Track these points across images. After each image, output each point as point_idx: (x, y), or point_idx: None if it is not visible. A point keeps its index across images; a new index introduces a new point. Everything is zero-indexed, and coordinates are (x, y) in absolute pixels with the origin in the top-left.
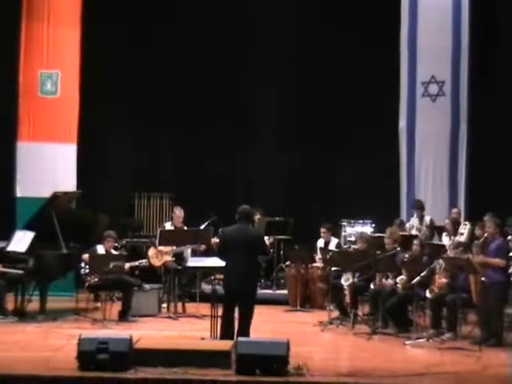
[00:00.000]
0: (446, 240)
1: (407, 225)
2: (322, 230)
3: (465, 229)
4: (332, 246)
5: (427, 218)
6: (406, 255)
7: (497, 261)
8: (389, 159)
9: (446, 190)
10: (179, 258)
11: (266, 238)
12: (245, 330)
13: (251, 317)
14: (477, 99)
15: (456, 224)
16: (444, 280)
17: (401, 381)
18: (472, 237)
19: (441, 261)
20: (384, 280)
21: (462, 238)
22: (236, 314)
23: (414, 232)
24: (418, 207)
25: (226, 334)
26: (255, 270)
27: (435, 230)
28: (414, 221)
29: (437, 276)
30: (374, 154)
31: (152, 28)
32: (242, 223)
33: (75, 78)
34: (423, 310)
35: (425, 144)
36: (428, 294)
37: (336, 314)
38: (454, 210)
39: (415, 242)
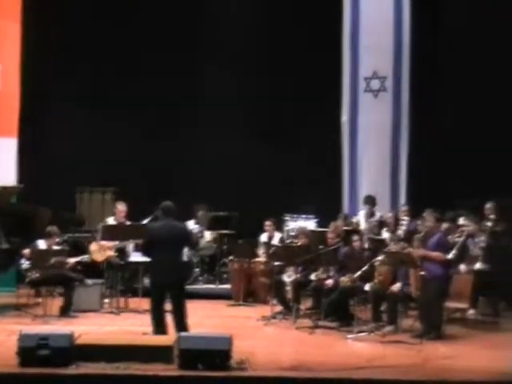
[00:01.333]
0: (386, 234)
1: (355, 219)
2: (267, 224)
3: (403, 223)
4: (275, 241)
5: (377, 214)
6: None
7: (437, 254)
8: (331, 154)
9: (388, 185)
10: (122, 253)
11: (208, 233)
12: (182, 324)
13: (185, 308)
14: (418, 95)
15: (397, 219)
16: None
17: (342, 374)
18: (411, 231)
19: (380, 256)
20: (325, 276)
21: (400, 232)
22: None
23: (362, 227)
24: (370, 203)
25: (158, 329)
26: (183, 263)
27: (378, 224)
28: (362, 216)
29: (377, 271)
30: (317, 148)
31: (95, 13)
32: (166, 219)
33: (15, 72)
34: (365, 304)
35: (367, 138)
36: (368, 288)
37: (279, 308)
38: (404, 208)
39: (355, 237)
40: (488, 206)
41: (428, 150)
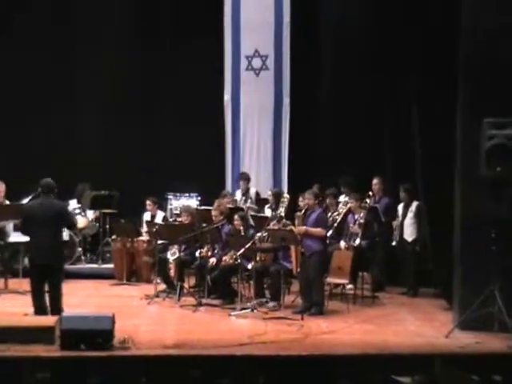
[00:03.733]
0: (268, 212)
1: (235, 197)
2: (148, 203)
3: (284, 201)
4: (158, 220)
5: (252, 191)
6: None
7: (318, 230)
8: (214, 132)
9: (270, 163)
10: (1, 232)
11: (91, 212)
12: (56, 304)
13: (60, 289)
14: (299, 74)
15: (278, 196)
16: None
17: (224, 351)
18: (292, 209)
19: (259, 233)
20: (209, 254)
21: (282, 210)
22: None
23: (242, 205)
24: (244, 179)
25: (39, 310)
26: (61, 243)
27: (259, 202)
28: (238, 193)
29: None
30: (200, 127)
31: None
32: (45, 196)
33: None
34: (248, 281)
35: (249, 117)
36: (250, 266)
37: (162, 287)
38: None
39: (236, 216)
40: (374, 181)
41: (310, 129)
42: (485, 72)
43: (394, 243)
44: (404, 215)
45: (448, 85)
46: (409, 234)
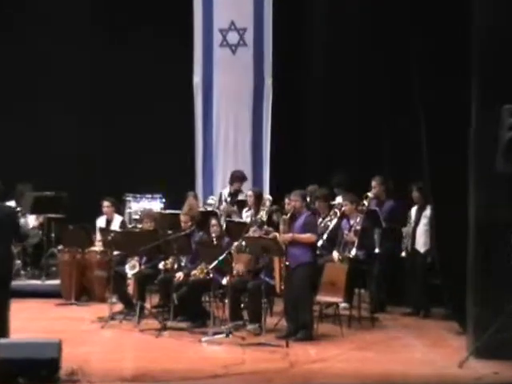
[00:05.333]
0: (247, 216)
1: (212, 199)
2: (105, 204)
3: (265, 204)
4: (115, 226)
5: (226, 191)
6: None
7: (307, 236)
8: (182, 122)
9: (249, 159)
10: None
11: (33, 217)
12: (1, 328)
13: (7, 310)
14: (283, 51)
15: (259, 198)
16: (242, 266)
17: None
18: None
19: (236, 243)
20: (175, 267)
21: (263, 214)
22: None
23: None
24: (239, 180)
25: None
26: (8, 255)
27: (237, 205)
28: (226, 192)
29: (235, 260)
30: (164, 115)
31: None
32: None
33: None
34: (222, 300)
35: (224, 103)
36: (225, 281)
37: (119, 307)
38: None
39: (213, 220)
40: (374, 182)
41: (297, 117)
42: (502, 53)
43: (403, 254)
44: (417, 221)
45: (457, 71)
46: (421, 243)
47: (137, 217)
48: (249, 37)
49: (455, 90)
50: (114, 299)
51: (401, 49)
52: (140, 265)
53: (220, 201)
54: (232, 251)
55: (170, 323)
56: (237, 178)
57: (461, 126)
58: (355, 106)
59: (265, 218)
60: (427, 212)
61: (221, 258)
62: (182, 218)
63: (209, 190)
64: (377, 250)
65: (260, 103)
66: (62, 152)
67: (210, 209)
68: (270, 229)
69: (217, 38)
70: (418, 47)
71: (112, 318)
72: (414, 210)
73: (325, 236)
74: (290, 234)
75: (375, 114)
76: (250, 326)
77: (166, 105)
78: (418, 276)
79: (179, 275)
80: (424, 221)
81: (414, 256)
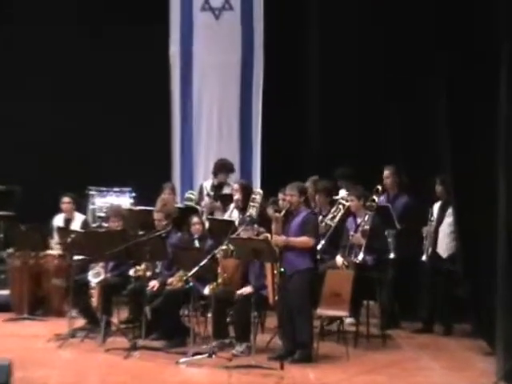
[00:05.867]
0: (235, 214)
1: (191, 193)
2: (65, 200)
3: (256, 199)
4: (76, 226)
5: (207, 183)
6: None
7: (303, 240)
8: (156, 101)
9: (236, 144)
10: None
11: None
12: None
13: None
14: (277, 16)
15: (247, 192)
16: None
17: None
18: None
19: (224, 246)
20: (148, 275)
21: (252, 211)
22: None
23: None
24: (226, 169)
25: None
26: None
27: (221, 199)
28: (208, 187)
29: (220, 267)
30: (135, 93)
31: None
32: None
33: None
34: (204, 314)
35: (206, 79)
36: (208, 291)
37: (81, 322)
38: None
39: (195, 219)
40: (386, 172)
41: (291, 96)
42: None
43: (423, 258)
44: (440, 219)
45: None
46: (444, 247)
47: (102, 214)
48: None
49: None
50: (75, 313)
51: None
52: (106, 272)
53: (201, 195)
54: (217, 255)
55: (141, 342)
56: (221, 168)
57: (489, 109)
58: (358, 84)
59: (255, 216)
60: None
61: (203, 263)
62: (156, 215)
63: (188, 183)
64: (391, 255)
65: (249, 79)
66: (15, 141)
67: (189, 204)
68: (262, 229)
69: (197, 1)
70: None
71: (72, 335)
72: (436, 207)
73: (326, 237)
74: (284, 237)
75: (382, 94)
76: (237, 346)
77: (136, 82)
78: (438, 286)
79: (153, 284)
80: (448, 220)
81: (434, 262)
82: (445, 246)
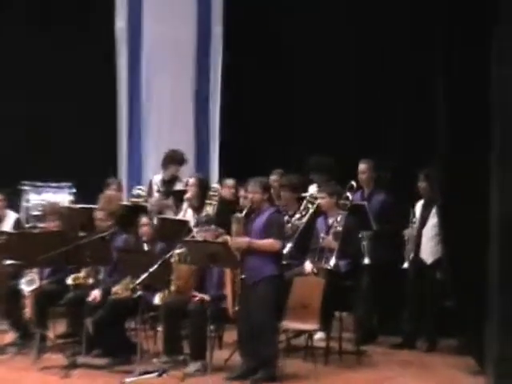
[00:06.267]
0: (189, 213)
1: (139, 189)
2: None
3: (213, 196)
4: (6, 226)
5: (157, 178)
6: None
7: (268, 242)
8: (100, 84)
9: (191, 133)
10: None
11: None
12: None
13: None
14: None
15: (203, 187)
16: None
17: None
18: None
19: (180, 250)
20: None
21: (209, 209)
22: None
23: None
24: (177, 161)
25: None
26: None
27: (174, 196)
28: (157, 182)
29: (173, 273)
30: (73, 77)
31: None
32: None
33: None
34: (154, 327)
35: (157, 58)
36: (158, 301)
37: (12, 336)
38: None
39: (143, 219)
40: (362, 166)
41: (256, 77)
42: None
43: (405, 265)
44: (423, 220)
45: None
46: (429, 251)
47: (37, 213)
48: None
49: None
50: (5, 325)
51: None
52: (41, 279)
53: (150, 191)
54: (170, 260)
55: (81, 359)
56: (172, 159)
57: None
58: (338, 61)
59: (212, 215)
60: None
61: (153, 269)
62: (99, 214)
63: (136, 177)
64: (366, 260)
65: (205, 59)
66: None
67: (138, 201)
68: (221, 230)
69: None
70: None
71: (2, 351)
72: (419, 206)
73: (293, 240)
74: (246, 239)
75: (366, 75)
76: (191, 364)
77: (79, 64)
78: (422, 296)
79: (95, 294)
80: (433, 220)
81: (417, 268)
82: (429, 250)
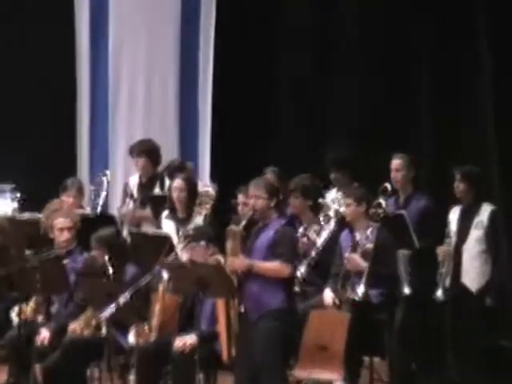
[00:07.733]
0: (171, 225)
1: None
2: None
3: (205, 202)
4: None
5: (133, 180)
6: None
7: (274, 265)
8: (57, 65)
9: (174, 124)
10: None
11: None
12: None
13: None
14: None
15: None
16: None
17: None
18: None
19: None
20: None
21: (199, 220)
22: None
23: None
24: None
25: None
26: None
27: (152, 203)
28: (133, 181)
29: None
30: (27, 55)
31: None
32: None
33: None
34: (123, 376)
35: (130, 37)
36: (133, 339)
37: None
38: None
39: (93, 239)
40: (395, 162)
41: (257, 53)
42: None
43: (438, 294)
44: (463, 233)
45: None
46: (473, 275)
47: None
48: None
49: None
50: None
51: None
52: None
53: (125, 198)
54: (146, 287)
55: None
56: (139, 152)
57: None
58: (354, 46)
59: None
60: (482, 217)
61: (122, 300)
62: (43, 225)
63: (101, 180)
64: (405, 289)
65: (193, 30)
66: None
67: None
68: (214, 248)
69: None
70: None
71: None
72: (454, 214)
73: (309, 261)
74: (247, 261)
75: (390, 60)
76: None
77: (31, 38)
78: (468, 332)
79: (45, 333)
80: (477, 233)
81: (459, 299)
82: (474, 274)
